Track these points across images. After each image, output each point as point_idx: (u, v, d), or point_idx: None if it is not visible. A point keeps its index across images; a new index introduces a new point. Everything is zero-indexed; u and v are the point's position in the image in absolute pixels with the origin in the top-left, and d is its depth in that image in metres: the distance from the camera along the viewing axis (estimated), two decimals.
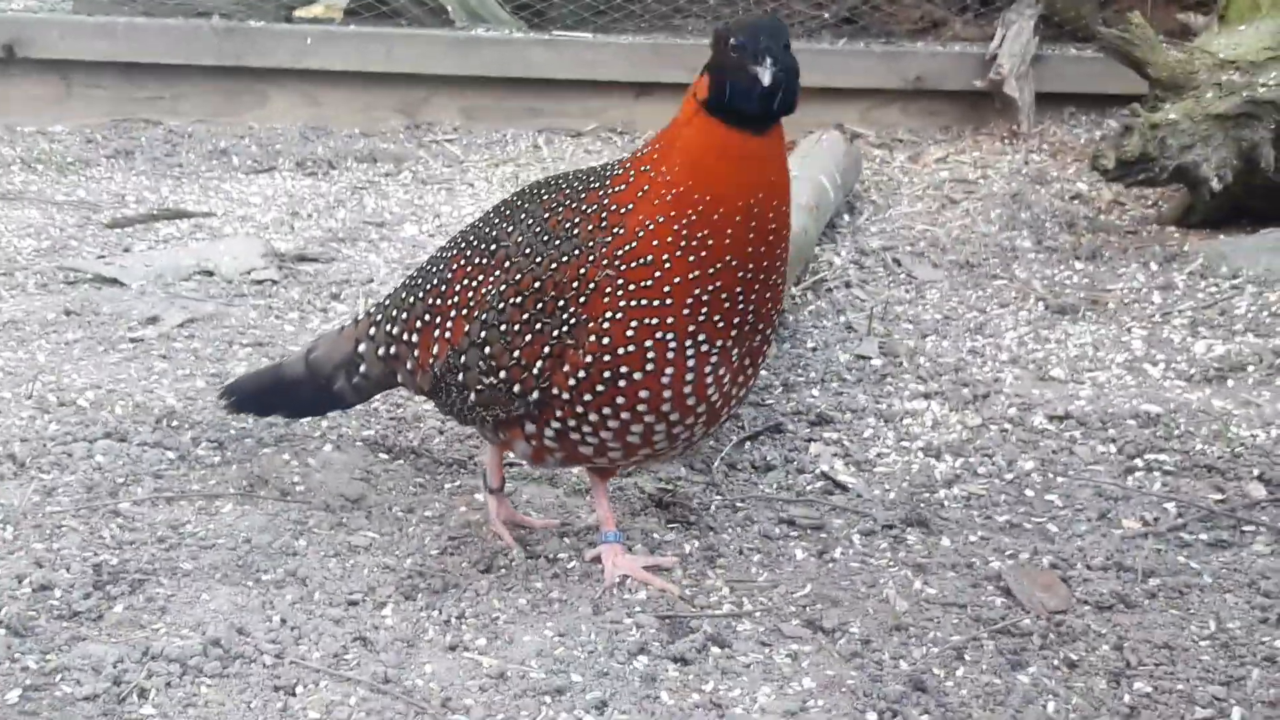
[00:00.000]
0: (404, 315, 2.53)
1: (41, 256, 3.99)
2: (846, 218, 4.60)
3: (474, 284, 2.43)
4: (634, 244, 2.25)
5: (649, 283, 2.24)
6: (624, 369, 2.27)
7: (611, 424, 2.32)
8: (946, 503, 2.82)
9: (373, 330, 2.59)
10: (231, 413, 2.86)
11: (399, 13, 6.04)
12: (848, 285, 3.97)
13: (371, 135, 5.49)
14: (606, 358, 2.27)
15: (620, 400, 2.29)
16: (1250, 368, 3.43)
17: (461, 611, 2.36)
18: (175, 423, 2.98)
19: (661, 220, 2.24)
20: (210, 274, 3.88)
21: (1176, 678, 2.27)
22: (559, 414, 2.34)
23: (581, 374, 2.30)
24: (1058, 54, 5.89)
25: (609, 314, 2.27)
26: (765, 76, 2.15)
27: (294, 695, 2.13)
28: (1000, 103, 5.66)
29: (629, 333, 2.26)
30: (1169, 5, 6.30)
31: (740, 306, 2.28)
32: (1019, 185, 4.94)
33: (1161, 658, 2.32)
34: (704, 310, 2.26)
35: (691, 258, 2.23)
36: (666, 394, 2.29)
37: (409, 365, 2.52)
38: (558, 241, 2.33)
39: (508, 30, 5.92)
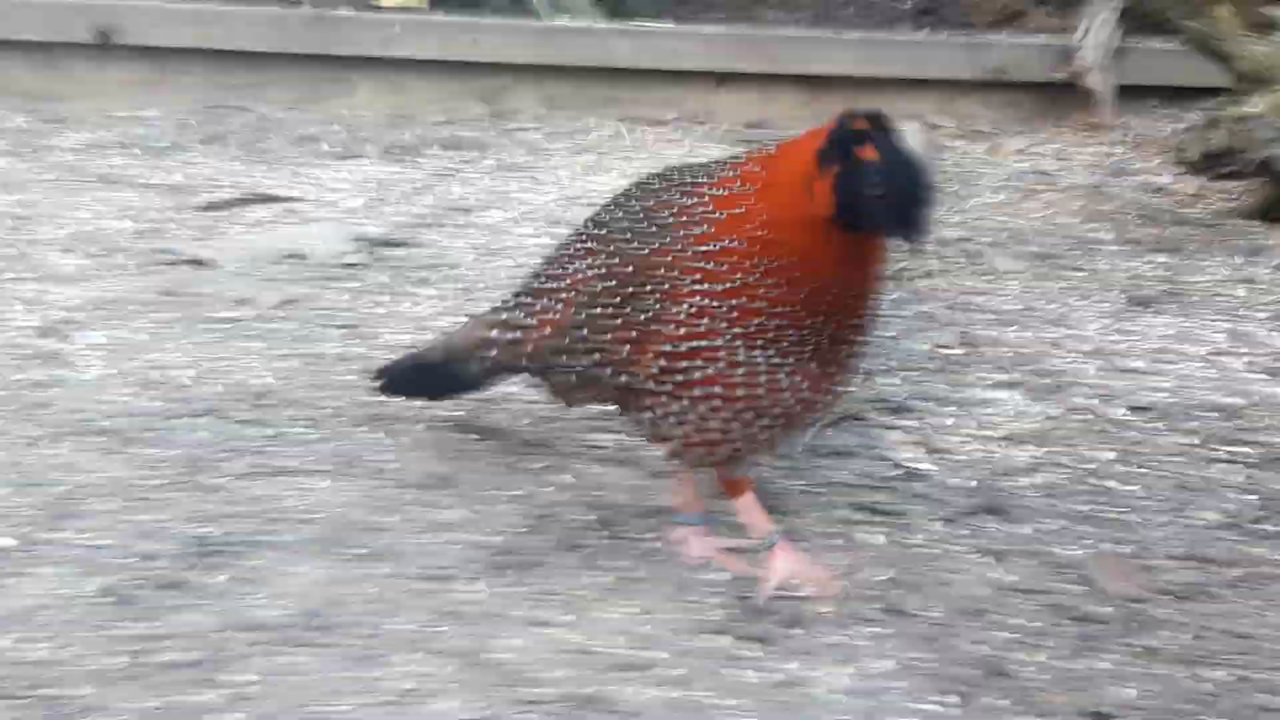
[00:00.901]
0: (526, 299, 2.55)
1: (139, 238, 4.06)
2: None
3: (582, 266, 2.43)
4: (715, 246, 2.23)
5: (721, 287, 2.22)
6: (699, 362, 2.26)
7: (690, 416, 2.32)
8: (1025, 491, 2.81)
9: (504, 317, 2.59)
10: (384, 394, 2.91)
11: (481, 2, 6.08)
12: (928, 275, 3.96)
13: (454, 123, 5.52)
14: (683, 348, 2.26)
15: (696, 392, 2.28)
16: None
17: (547, 588, 2.39)
18: (271, 401, 3.03)
19: (744, 246, 2.21)
20: (301, 257, 3.93)
21: (1255, 667, 2.27)
22: (648, 402, 2.35)
23: (662, 362, 2.29)
24: (1140, 46, 5.82)
25: (687, 304, 2.25)
26: (914, 244, 2.12)
27: (386, 665, 2.17)
28: (1081, 94, 5.60)
29: (700, 326, 2.24)
30: None
31: (808, 336, 2.24)
32: (1099, 177, 4.90)
33: (1241, 647, 2.31)
34: (771, 334, 2.23)
35: (763, 291, 2.20)
36: (739, 392, 2.27)
37: (529, 348, 2.53)
38: (654, 228, 2.32)
39: (589, 20, 5.94)
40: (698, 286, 2.24)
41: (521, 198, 4.63)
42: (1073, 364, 3.41)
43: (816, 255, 2.18)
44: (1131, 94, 5.71)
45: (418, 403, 3.02)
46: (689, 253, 2.26)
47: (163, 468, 2.74)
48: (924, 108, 5.57)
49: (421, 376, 2.85)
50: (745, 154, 2.38)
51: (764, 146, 2.41)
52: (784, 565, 2.37)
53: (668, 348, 2.28)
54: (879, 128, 2.12)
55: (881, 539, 2.63)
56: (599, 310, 2.37)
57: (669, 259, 2.28)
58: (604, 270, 2.38)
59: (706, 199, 2.28)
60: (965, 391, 3.25)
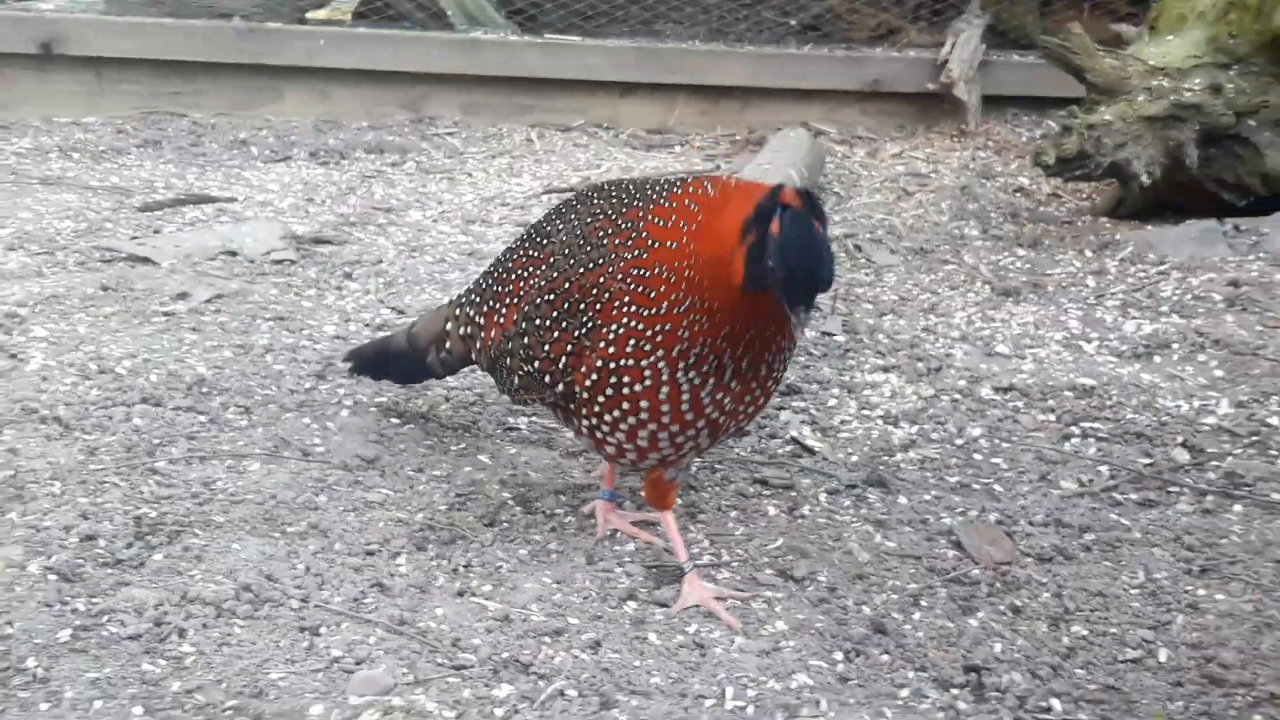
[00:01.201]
0: (476, 299, 2.51)
1: (80, 237, 3.97)
2: None
3: (525, 275, 2.39)
4: (646, 272, 2.16)
5: (648, 312, 2.16)
6: (626, 379, 2.20)
7: (622, 426, 2.24)
8: (903, 465, 2.84)
9: (456, 312, 2.56)
10: (352, 375, 2.91)
11: (403, 15, 6.02)
12: None
13: (379, 128, 5.47)
14: (613, 365, 2.20)
15: (625, 406, 2.21)
16: (1174, 345, 3.45)
17: (468, 561, 2.38)
18: (205, 389, 2.97)
19: (672, 279, 2.14)
20: (234, 254, 3.87)
21: (1110, 622, 2.31)
22: (583, 411, 2.28)
23: (595, 376, 2.23)
24: (1002, 60, 5.91)
25: (616, 325, 2.19)
26: (799, 332, 2.11)
27: (318, 635, 2.15)
28: (950, 104, 5.68)
29: (629, 348, 2.18)
30: (1103, 16, 6.33)
31: (728, 362, 2.17)
32: (967, 179, 4.95)
33: (1096, 604, 2.35)
34: (693, 359, 2.16)
35: (686, 323, 2.13)
36: (664, 408, 2.20)
37: (477, 345, 2.50)
38: (589, 247, 2.25)
39: (503, 33, 5.90)
40: (627, 309, 2.18)
41: (441, 198, 4.59)
42: (945, 349, 3.44)
43: (737, 307, 2.10)
44: (995, 103, 5.81)
45: (370, 386, 2.99)
46: (622, 275, 2.18)
47: (102, 453, 2.67)
48: (810, 116, 5.61)
49: (387, 362, 2.81)
50: (684, 183, 2.27)
51: (704, 178, 2.32)
52: (692, 594, 2.26)
53: (599, 363, 2.21)
54: (801, 205, 2.04)
55: (774, 510, 2.64)
56: (539, 321, 2.31)
57: (602, 280, 2.21)
58: (544, 283, 2.32)
59: (643, 226, 2.20)
60: (849, 375, 3.27)
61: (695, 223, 2.15)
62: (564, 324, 2.26)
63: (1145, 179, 4.29)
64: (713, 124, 5.66)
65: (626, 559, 2.43)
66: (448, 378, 2.85)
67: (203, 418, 2.85)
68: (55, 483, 2.55)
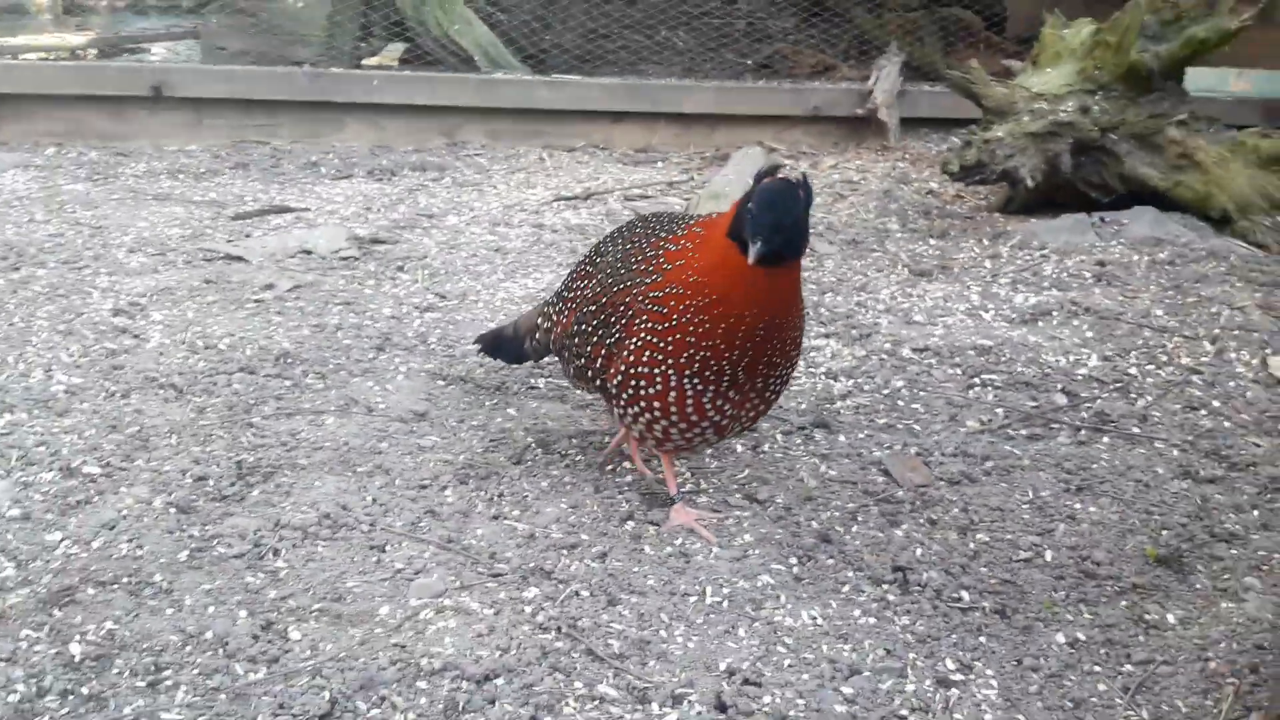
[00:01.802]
0: (556, 301, 2.43)
1: (186, 241, 3.94)
2: None
3: (581, 286, 2.32)
4: (661, 293, 2.09)
5: (662, 326, 2.09)
6: (643, 384, 2.14)
7: (642, 420, 2.19)
8: (842, 411, 2.84)
9: (545, 309, 2.48)
10: (481, 355, 2.78)
11: (439, 60, 5.97)
12: None
13: (421, 151, 5.42)
14: (633, 370, 2.14)
15: (643, 404, 2.16)
16: (1054, 312, 3.46)
17: (501, 492, 2.38)
18: (289, 360, 2.96)
19: (681, 291, 2.07)
20: (309, 253, 3.84)
21: (1006, 530, 2.32)
22: (614, 403, 2.23)
23: (619, 379, 2.17)
24: (916, 89, 5.87)
25: (635, 339, 2.13)
26: (751, 255, 1.94)
27: (384, 552, 2.16)
28: (875, 125, 5.64)
29: (644, 358, 2.12)
30: (995, 53, 6.30)
31: (730, 372, 2.09)
32: (889, 185, 4.93)
33: (995, 517, 2.37)
34: (697, 365, 2.08)
35: (693, 328, 2.06)
36: (673, 410, 2.13)
37: (551, 337, 2.42)
38: (623, 270, 2.19)
39: (519, 74, 5.86)
40: (646, 325, 2.11)
41: (472, 206, 4.56)
42: (873, 319, 3.44)
43: (735, 291, 2.03)
44: (911, 124, 5.78)
45: (420, 356, 2.97)
46: (643, 297, 2.12)
47: (209, 412, 2.67)
48: (764, 136, 5.58)
49: (501, 345, 2.70)
50: (703, 217, 2.20)
51: (715, 214, 2.20)
52: (678, 517, 2.26)
53: (624, 368, 2.15)
54: (767, 178, 2.01)
55: (741, 448, 2.64)
56: (585, 328, 2.26)
57: (629, 299, 2.15)
58: (590, 295, 2.27)
59: (663, 253, 2.14)
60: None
61: (698, 240, 2.11)
62: (599, 333, 2.22)
63: (1030, 182, 4.29)
64: (686, 144, 5.62)
65: (626, 488, 2.43)
66: (542, 359, 2.70)
67: (287, 382, 2.85)
68: (172, 436, 2.55)
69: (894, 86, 5.69)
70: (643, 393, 2.15)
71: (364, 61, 6.01)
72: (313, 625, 1.94)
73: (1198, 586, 2.16)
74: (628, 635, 1.93)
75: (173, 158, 5.14)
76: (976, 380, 3.02)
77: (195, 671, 1.82)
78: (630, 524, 2.29)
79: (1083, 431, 2.74)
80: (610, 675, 1.84)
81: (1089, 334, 3.30)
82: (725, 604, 2.04)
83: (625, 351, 2.16)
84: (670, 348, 2.09)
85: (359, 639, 1.90)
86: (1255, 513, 2.41)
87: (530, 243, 4.05)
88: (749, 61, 6.53)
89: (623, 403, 2.20)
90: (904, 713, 1.81)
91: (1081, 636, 2.01)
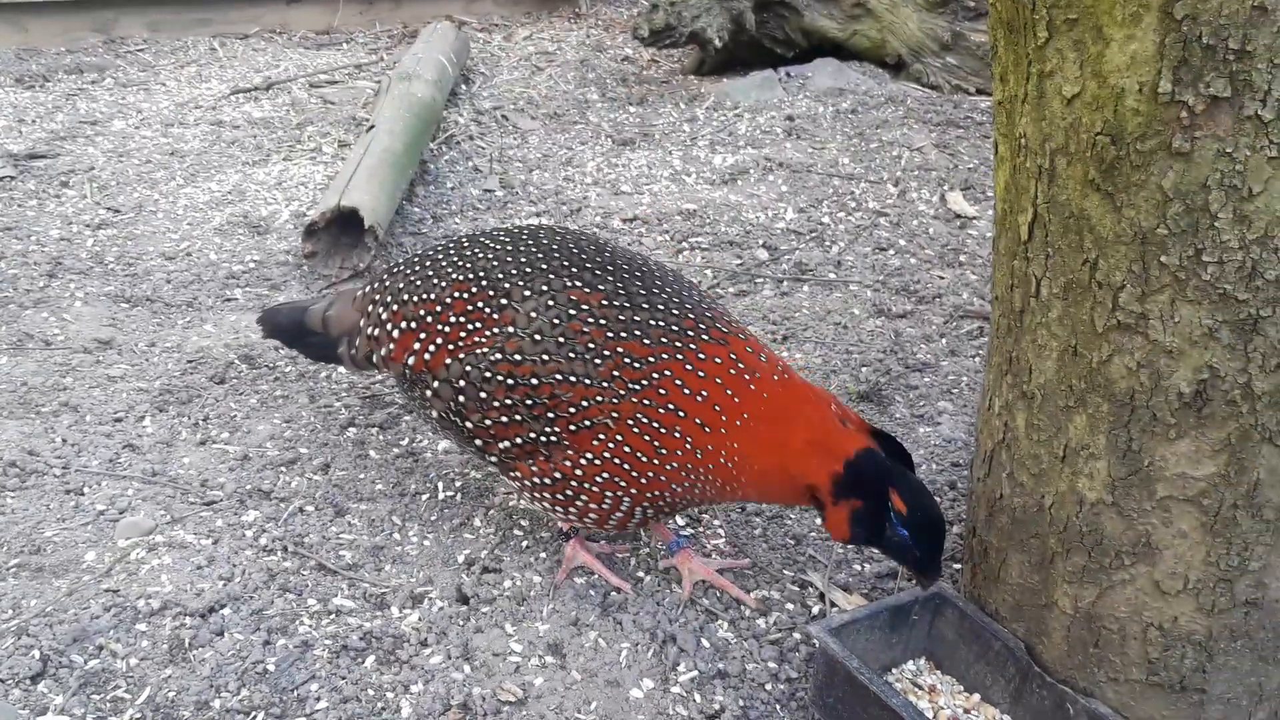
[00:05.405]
0: (395, 308, 1.83)
1: None
2: (464, 87, 4.48)
3: (470, 326, 1.72)
4: (658, 427, 1.61)
5: (645, 459, 1.63)
6: (583, 497, 1.70)
7: (556, 509, 1.76)
8: None
9: (369, 308, 1.90)
10: (264, 338, 2.19)
11: None
12: (471, 138, 3.90)
13: (75, 52, 4.88)
14: (573, 482, 1.69)
15: (562, 497, 1.72)
16: (751, 170, 3.59)
17: (205, 415, 2.26)
18: None
19: (694, 454, 1.62)
20: None
21: None
22: (512, 476, 1.79)
23: (545, 480, 1.72)
24: None
25: (592, 456, 1.65)
26: (926, 588, 1.63)
27: (82, 495, 2.00)
28: None
29: (600, 478, 1.66)
30: None
31: (683, 505, 1.73)
32: (585, 54, 4.91)
33: None
34: (662, 503, 1.69)
35: (679, 484, 1.65)
36: (610, 521, 1.73)
37: (383, 352, 1.85)
38: (572, 355, 1.64)
39: None
40: (620, 450, 1.64)
41: (140, 107, 4.17)
42: (581, 193, 3.45)
43: (756, 494, 1.69)
44: None
45: (98, 279, 2.73)
46: (620, 418, 1.63)
47: None
48: (453, 10, 5.39)
49: (299, 336, 2.09)
50: (700, 340, 1.64)
51: (729, 336, 1.66)
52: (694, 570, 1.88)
53: (557, 474, 1.70)
54: (902, 470, 1.60)
55: None
56: (484, 394, 1.70)
57: (588, 407, 1.63)
58: (500, 356, 1.69)
59: (659, 382, 1.62)
60: (509, 222, 3.24)
61: (739, 417, 1.61)
62: (518, 416, 1.69)
63: (718, 42, 4.39)
64: (371, 22, 5.35)
65: (344, 393, 2.36)
66: (366, 372, 2.16)
67: None
68: None
69: None
70: (577, 500, 1.72)
71: None
72: (12, 583, 1.78)
73: (897, 416, 2.35)
74: (359, 544, 1.90)
75: None
76: (685, 244, 3.10)
77: None
78: (352, 430, 2.23)
79: (784, 283, 2.89)
80: (345, 587, 1.81)
81: (784, 188, 3.45)
82: (459, 497, 2.04)
83: (566, 460, 1.69)
84: (643, 480, 1.66)
85: (65, 590, 1.77)
86: (943, 340, 2.64)
87: (210, 142, 3.77)
88: None
89: (534, 484, 1.75)
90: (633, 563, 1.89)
91: None
